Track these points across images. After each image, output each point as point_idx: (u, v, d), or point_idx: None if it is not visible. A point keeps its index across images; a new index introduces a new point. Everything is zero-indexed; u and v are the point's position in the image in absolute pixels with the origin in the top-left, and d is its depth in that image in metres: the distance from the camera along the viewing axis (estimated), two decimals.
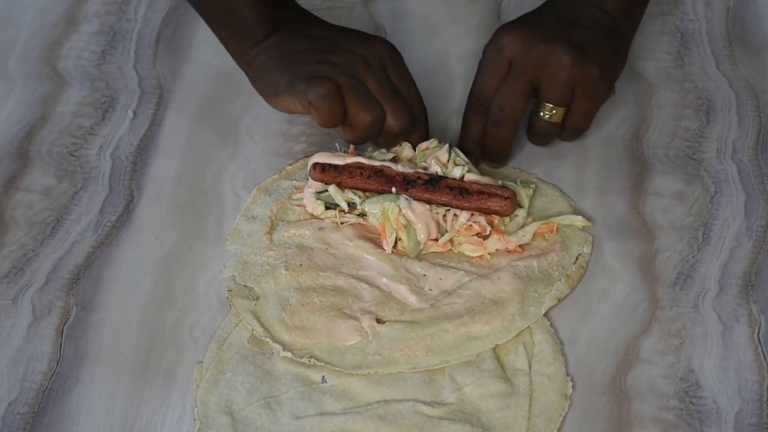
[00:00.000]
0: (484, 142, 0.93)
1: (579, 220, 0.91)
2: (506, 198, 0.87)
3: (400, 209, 0.88)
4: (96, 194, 0.95)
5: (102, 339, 0.85)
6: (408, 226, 0.88)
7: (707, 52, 1.05)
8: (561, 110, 0.91)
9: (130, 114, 1.02)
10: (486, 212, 0.88)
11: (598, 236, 0.90)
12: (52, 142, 1.00)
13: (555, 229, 0.90)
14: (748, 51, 1.05)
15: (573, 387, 0.81)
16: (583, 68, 0.88)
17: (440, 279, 0.87)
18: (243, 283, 0.88)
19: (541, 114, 0.91)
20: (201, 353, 0.84)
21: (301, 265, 0.88)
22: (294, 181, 0.95)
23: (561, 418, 0.79)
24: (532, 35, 0.89)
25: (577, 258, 0.89)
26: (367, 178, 0.89)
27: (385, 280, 0.87)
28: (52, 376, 0.83)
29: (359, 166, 0.90)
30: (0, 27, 1.11)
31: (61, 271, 0.90)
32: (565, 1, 0.93)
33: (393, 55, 0.91)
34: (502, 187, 0.89)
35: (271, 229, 0.91)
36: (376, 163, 0.90)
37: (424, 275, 0.88)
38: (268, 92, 0.91)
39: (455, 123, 0.97)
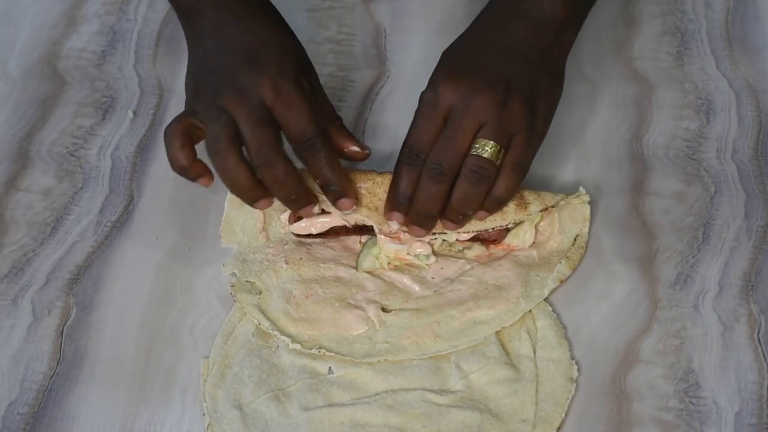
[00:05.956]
0: (415, 200, 0.84)
1: (578, 199, 0.89)
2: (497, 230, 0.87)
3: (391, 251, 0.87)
4: (96, 194, 0.95)
5: (102, 339, 0.85)
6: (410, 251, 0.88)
7: (707, 52, 1.05)
8: (497, 147, 0.82)
9: (130, 114, 1.02)
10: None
11: (599, 237, 0.90)
12: (52, 142, 1.00)
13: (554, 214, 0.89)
14: (748, 51, 1.05)
15: (578, 370, 0.81)
16: (525, 115, 0.83)
17: (441, 268, 0.88)
18: (245, 279, 0.88)
19: (476, 148, 0.82)
20: (201, 353, 0.84)
21: (301, 258, 0.88)
22: None
23: (568, 401, 0.80)
24: (469, 82, 0.83)
25: (575, 239, 0.89)
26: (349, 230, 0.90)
27: (386, 270, 0.88)
28: (52, 376, 0.83)
29: (341, 229, 0.89)
30: (0, 27, 1.11)
31: (61, 271, 0.90)
32: (500, 17, 0.87)
33: (277, 85, 0.83)
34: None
35: (265, 225, 0.91)
36: (355, 219, 0.88)
37: (426, 265, 0.88)
38: None
39: None
